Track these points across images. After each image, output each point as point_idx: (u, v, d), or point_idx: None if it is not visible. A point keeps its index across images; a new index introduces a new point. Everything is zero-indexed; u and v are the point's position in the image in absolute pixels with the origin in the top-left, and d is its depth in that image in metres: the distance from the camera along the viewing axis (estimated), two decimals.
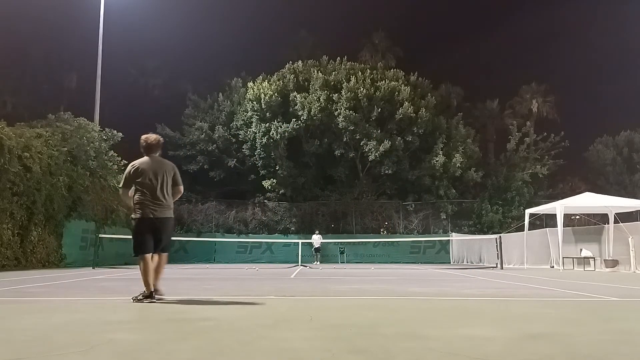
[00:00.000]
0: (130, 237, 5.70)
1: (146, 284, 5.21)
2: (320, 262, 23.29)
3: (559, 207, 16.65)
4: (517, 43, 56.85)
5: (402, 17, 54.03)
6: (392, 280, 10.14)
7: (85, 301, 5.64)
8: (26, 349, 2.81)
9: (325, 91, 28.44)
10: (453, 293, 6.82)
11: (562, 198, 19.68)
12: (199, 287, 7.68)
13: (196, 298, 5.48)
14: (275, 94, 28.40)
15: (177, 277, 10.71)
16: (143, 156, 5.53)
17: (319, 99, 27.99)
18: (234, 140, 30.44)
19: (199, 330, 3.44)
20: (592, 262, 15.91)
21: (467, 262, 24.48)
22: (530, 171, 30.12)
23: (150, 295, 5.17)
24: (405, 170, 28.76)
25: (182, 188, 5.68)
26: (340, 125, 27.64)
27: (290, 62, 31.47)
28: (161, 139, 5.76)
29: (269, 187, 28.80)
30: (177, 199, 5.69)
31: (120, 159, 19.81)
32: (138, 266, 5.25)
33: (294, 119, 28.00)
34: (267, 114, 28.61)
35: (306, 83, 29.76)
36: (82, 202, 17.22)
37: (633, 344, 3.12)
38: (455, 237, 26.30)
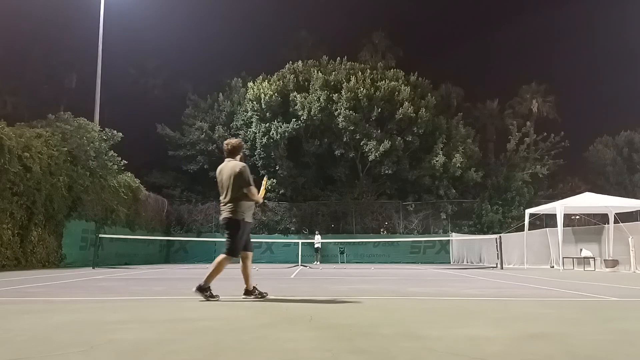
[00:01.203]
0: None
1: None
2: (320, 262, 23.31)
3: (559, 207, 16.65)
4: (517, 43, 56.94)
5: (402, 17, 54.11)
6: (392, 280, 10.13)
7: (85, 301, 5.64)
8: (26, 349, 2.81)
9: (325, 91, 28.43)
10: (453, 293, 6.82)
11: (562, 198, 19.69)
12: None
13: (196, 298, 5.47)
14: (275, 94, 28.40)
15: (177, 277, 10.72)
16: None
17: (319, 99, 27.98)
18: None
19: (199, 330, 3.43)
20: (592, 262, 15.91)
21: (467, 262, 24.47)
22: (530, 171, 30.15)
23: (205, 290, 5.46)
24: (405, 170, 28.76)
25: (252, 189, 5.43)
26: (340, 125, 27.64)
27: (290, 62, 31.47)
28: (241, 144, 5.77)
29: (269, 187, 28.81)
30: (252, 200, 5.50)
31: (120, 159, 19.81)
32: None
33: (294, 119, 28.00)
34: (267, 114, 28.62)
35: (306, 83, 29.75)
36: (82, 202, 17.22)
37: (633, 344, 3.12)
38: (455, 237, 26.30)
